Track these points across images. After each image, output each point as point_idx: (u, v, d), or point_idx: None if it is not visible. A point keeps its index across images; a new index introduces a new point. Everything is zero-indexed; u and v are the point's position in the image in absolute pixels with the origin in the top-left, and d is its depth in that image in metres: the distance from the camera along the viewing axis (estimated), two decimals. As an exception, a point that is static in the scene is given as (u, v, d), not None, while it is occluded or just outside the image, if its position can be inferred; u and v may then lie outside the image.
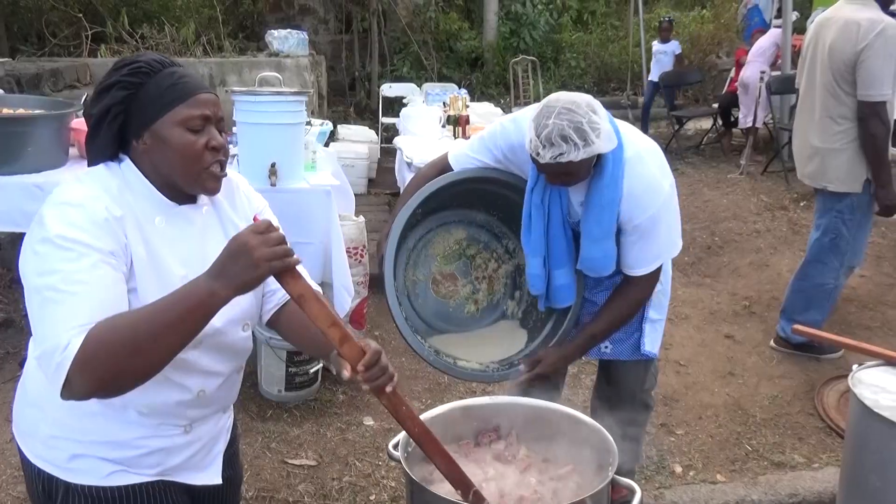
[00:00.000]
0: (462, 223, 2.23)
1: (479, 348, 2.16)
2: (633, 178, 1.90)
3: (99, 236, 1.22)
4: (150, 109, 1.28)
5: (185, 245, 1.34)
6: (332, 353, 1.33)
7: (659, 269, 2.05)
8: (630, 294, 2.06)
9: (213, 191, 1.35)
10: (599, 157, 1.87)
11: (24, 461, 1.42)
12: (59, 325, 1.15)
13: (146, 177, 1.32)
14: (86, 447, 1.34)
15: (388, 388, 1.30)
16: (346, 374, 1.26)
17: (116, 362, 1.14)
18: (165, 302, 1.17)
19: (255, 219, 1.46)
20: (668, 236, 2.03)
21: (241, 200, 1.48)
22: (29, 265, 1.22)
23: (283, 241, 1.17)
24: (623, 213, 1.92)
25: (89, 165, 1.34)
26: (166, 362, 1.19)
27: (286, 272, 1.19)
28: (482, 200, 2.20)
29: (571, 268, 2.03)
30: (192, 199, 1.38)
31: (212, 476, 1.51)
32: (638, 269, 2.01)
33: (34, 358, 1.19)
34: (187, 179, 1.31)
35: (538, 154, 1.80)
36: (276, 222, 1.53)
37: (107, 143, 1.30)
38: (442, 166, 2.17)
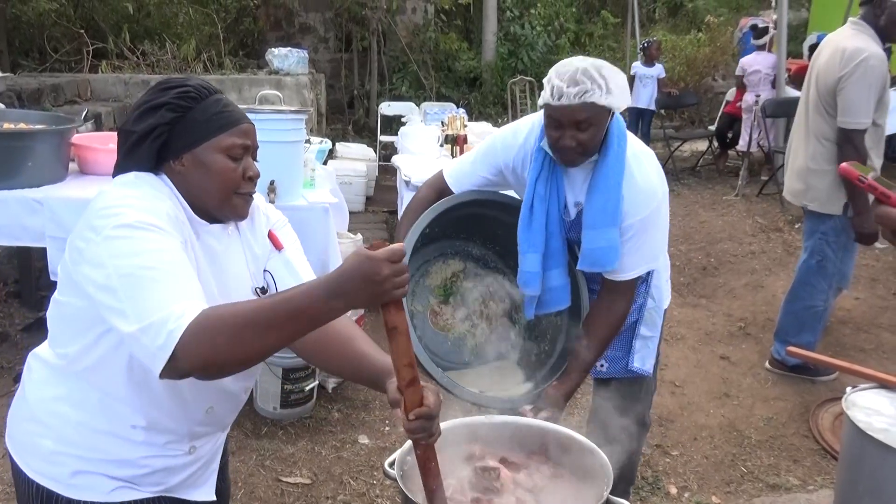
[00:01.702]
0: (459, 255, 2.20)
1: (478, 384, 2.10)
2: (631, 177, 1.88)
3: (171, 228, 1.22)
4: (196, 133, 1.30)
5: (210, 263, 1.35)
6: (389, 384, 1.27)
7: (637, 279, 2.02)
8: (612, 309, 1.99)
9: (243, 216, 1.39)
10: (603, 142, 1.86)
11: (21, 477, 1.39)
12: (169, 297, 1.13)
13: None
14: (90, 464, 1.34)
15: (424, 443, 1.26)
16: (401, 414, 1.22)
17: (228, 341, 1.11)
18: (282, 298, 1.14)
19: (270, 234, 1.45)
20: (655, 243, 2.01)
21: (259, 219, 1.49)
22: (102, 253, 1.17)
23: (406, 270, 1.12)
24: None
25: (116, 176, 1.33)
26: (263, 358, 1.18)
27: (396, 302, 1.14)
28: (479, 231, 2.17)
29: (565, 269, 2.00)
30: (217, 220, 1.39)
31: (208, 492, 1.53)
32: (622, 273, 1.96)
33: (128, 334, 1.14)
34: (220, 204, 1.34)
35: (560, 96, 1.76)
36: (296, 238, 1.54)
37: (144, 160, 1.31)
38: (439, 185, 2.14)
